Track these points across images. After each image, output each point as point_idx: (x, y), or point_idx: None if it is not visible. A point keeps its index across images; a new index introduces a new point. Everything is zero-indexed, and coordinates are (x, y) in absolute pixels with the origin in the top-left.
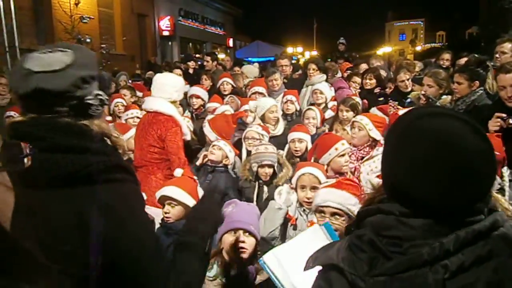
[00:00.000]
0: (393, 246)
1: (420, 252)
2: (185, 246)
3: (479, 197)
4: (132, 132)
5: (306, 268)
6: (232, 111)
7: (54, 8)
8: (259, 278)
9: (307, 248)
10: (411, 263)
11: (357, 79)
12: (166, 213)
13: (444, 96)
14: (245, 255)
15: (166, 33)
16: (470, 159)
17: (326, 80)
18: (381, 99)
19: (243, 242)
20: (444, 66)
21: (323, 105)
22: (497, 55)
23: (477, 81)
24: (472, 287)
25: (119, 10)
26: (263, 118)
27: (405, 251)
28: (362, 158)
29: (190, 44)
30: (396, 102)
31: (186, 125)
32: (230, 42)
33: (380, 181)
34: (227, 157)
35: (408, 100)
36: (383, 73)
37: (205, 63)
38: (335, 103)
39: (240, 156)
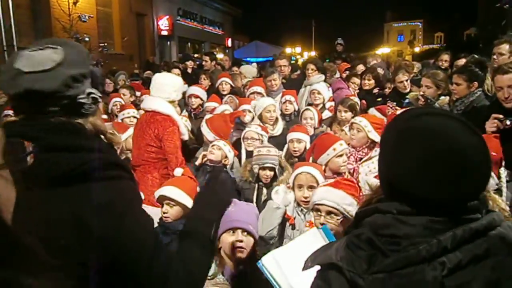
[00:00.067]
0: (391, 245)
1: (418, 248)
2: (188, 234)
3: (475, 192)
4: (130, 131)
5: (304, 268)
6: (231, 111)
7: (52, 7)
8: None
9: (305, 251)
10: (409, 259)
11: (356, 80)
12: (164, 213)
13: (442, 97)
14: (243, 255)
15: (164, 33)
16: (465, 155)
17: (325, 81)
18: (380, 99)
19: (241, 241)
20: (443, 67)
21: (321, 105)
22: (494, 57)
23: (475, 82)
24: (470, 285)
25: (118, 9)
26: (260, 117)
27: (403, 249)
28: (361, 159)
29: (189, 43)
30: (395, 103)
31: (184, 124)
32: (229, 42)
33: (377, 181)
34: (226, 157)
35: (407, 100)
36: (380, 71)
37: (203, 63)
38: (333, 103)
39: (239, 156)
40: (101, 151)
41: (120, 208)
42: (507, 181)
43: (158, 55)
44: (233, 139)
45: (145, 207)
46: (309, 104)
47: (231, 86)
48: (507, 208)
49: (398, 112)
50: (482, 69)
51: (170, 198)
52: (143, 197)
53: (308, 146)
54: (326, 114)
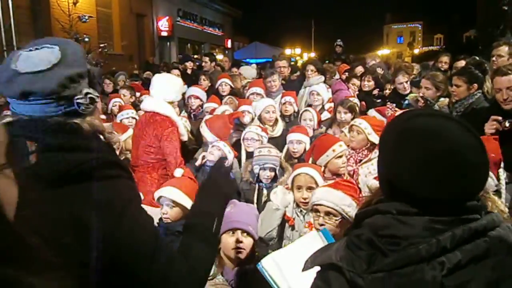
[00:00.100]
0: (391, 245)
1: (418, 248)
2: (189, 229)
3: (474, 191)
4: (130, 132)
5: (304, 269)
6: (231, 111)
7: (52, 7)
8: None
9: (305, 253)
10: (409, 259)
11: (356, 81)
12: (164, 213)
13: (441, 99)
14: (242, 255)
15: (164, 34)
16: (464, 155)
17: (324, 82)
18: (379, 101)
19: (241, 242)
20: (442, 69)
21: (320, 106)
22: (493, 58)
23: (475, 84)
24: (469, 285)
25: (118, 10)
26: (260, 118)
27: (403, 249)
28: (360, 161)
29: (188, 44)
30: (394, 104)
31: (184, 125)
32: (229, 43)
33: (377, 183)
34: (226, 158)
35: (406, 102)
36: (380, 71)
37: (203, 64)
38: (332, 104)
39: (238, 157)
40: (99, 150)
41: (119, 207)
42: (506, 183)
43: (157, 56)
44: (233, 140)
45: (144, 207)
46: (309, 105)
47: (230, 87)
48: (506, 210)
49: (398, 113)
50: (482, 71)
51: (169, 199)
52: (142, 197)
53: (307, 147)
54: (325, 115)
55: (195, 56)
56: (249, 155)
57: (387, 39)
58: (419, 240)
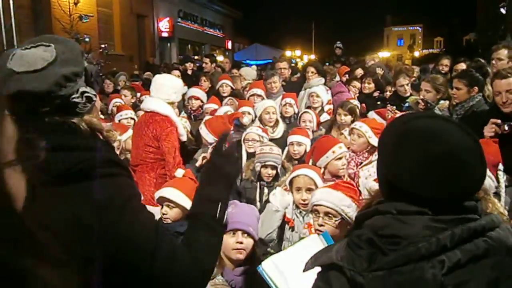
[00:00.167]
0: (391, 245)
1: (418, 246)
2: (192, 217)
3: (472, 190)
4: (130, 132)
5: (305, 269)
6: (233, 112)
7: (53, 7)
8: None
9: (305, 256)
10: (409, 257)
11: (357, 84)
12: (164, 214)
13: (442, 101)
14: (242, 256)
15: (165, 34)
16: (462, 155)
17: (325, 84)
18: (379, 103)
19: (241, 243)
20: (443, 72)
21: (319, 108)
22: (493, 62)
23: (476, 87)
24: (469, 284)
25: (118, 10)
26: (261, 119)
27: (403, 248)
28: (361, 163)
29: (189, 45)
30: (394, 107)
31: (183, 125)
32: (229, 45)
33: (377, 185)
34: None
35: (406, 104)
36: (379, 71)
37: (204, 65)
38: (331, 106)
39: (240, 159)
40: (98, 149)
41: (119, 204)
42: (506, 186)
43: (158, 56)
44: (233, 140)
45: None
46: (308, 107)
47: (231, 88)
48: (506, 212)
49: (397, 116)
50: (482, 74)
51: (169, 199)
52: (142, 196)
53: (308, 149)
54: (325, 117)
55: (196, 57)
56: (250, 156)
57: (387, 41)
58: (419, 239)
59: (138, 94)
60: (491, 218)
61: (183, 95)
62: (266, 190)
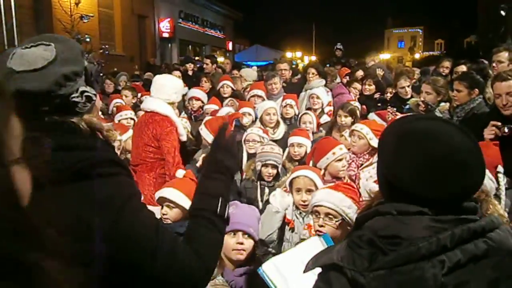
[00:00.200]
0: (392, 245)
1: (418, 246)
2: (193, 213)
3: (471, 189)
4: (130, 132)
5: (306, 270)
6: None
7: (54, 7)
8: None
9: (306, 258)
10: (410, 257)
11: (358, 86)
12: (164, 214)
13: (442, 103)
14: (242, 257)
15: (165, 35)
16: (461, 155)
17: (325, 85)
18: (380, 104)
19: (241, 243)
20: (444, 74)
21: (320, 110)
22: (493, 64)
23: (476, 89)
24: (469, 284)
25: (119, 10)
26: (261, 120)
27: (404, 248)
28: (362, 165)
29: (190, 46)
30: (395, 108)
31: (184, 126)
32: (230, 46)
33: (377, 186)
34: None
35: (407, 106)
36: (380, 71)
37: (204, 66)
38: (332, 108)
39: (239, 158)
40: (97, 148)
41: (119, 203)
42: (506, 189)
43: (158, 57)
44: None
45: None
46: (308, 109)
47: (232, 89)
48: (506, 214)
49: (397, 118)
50: (483, 76)
51: (169, 200)
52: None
53: (309, 150)
54: (325, 119)
55: (196, 58)
56: (251, 156)
57: (388, 43)
58: (420, 240)
59: (139, 95)
60: (491, 219)
61: (184, 95)
62: (266, 190)
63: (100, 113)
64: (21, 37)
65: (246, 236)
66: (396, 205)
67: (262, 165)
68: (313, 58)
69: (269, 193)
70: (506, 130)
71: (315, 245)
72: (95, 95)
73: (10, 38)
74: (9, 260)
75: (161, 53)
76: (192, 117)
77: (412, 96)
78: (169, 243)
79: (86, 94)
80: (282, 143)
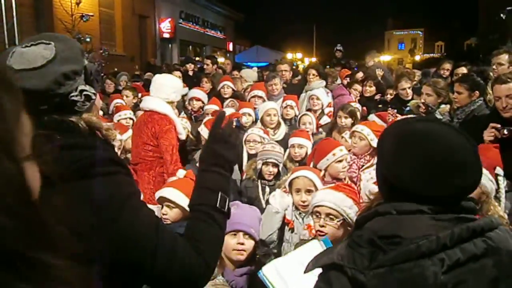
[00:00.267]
0: (391, 245)
1: (418, 244)
2: (192, 209)
3: (469, 187)
4: (130, 132)
5: (306, 271)
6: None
7: (55, 7)
8: None
9: (306, 261)
10: (410, 254)
11: (358, 87)
12: (163, 214)
13: (443, 105)
14: (242, 257)
15: (166, 35)
16: (457, 153)
17: (326, 86)
18: (381, 106)
19: (242, 244)
20: (444, 76)
21: (320, 111)
22: (494, 67)
23: (477, 91)
24: (468, 282)
25: (120, 10)
26: (262, 121)
27: (404, 247)
28: (363, 166)
29: (190, 47)
30: (395, 110)
31: (184, 125)
32: (230, 46)
33: (377, 187)
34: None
35: (408, 108)
36: (379, 72)
37: (205, 66)
38: (332, 109)
39: (240, 159)
40: (96, 147)
41: (118, 203)
42: (506, 191)
43: (159, 57)
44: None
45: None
46: (308, 110)
47: (232, 89)
48: (506, 216)
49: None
50: (484, 79)
51: (169, 199)
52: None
53: (309, 151)
54: (325, 120)
55: (197, 59)
56: (251, 157)
57: (388, 45)
58: (420, 238)
59: (139, 95)
60: (490, 220)
61: (184, 96)
62: (267, 189)
63: (101, 112)
64: (21, 36)
65: (247, 236)
66: (396, 204)
67: (263, 164)
68: (314, 59)
69: (270, 192)
70: (505, 132)
71: (315, 248)
72: (94, 94)
73: (11, 37)
74: (19, 257)
75: (162, 53)
76: (193, 117)
77: (412, 98)
78: (169, 241)
79: (85, 93)
80: (283, 144)
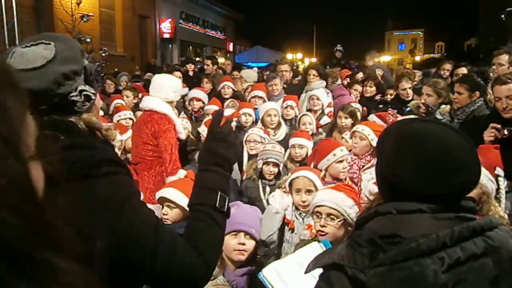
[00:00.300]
0: (392, 244)
1: (418, 243)
2: (191, 209)
3: (469, 185)
4: (130, 132)
5: (307, 271)
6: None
7: (55, 7)
8: None
9: (306, 263)
10: (410, 253)
11: (358, 87)
12: (164, 214)
13: (443, 106)
14: (243, 257)
15: (166, 36)
16: (455, 151)
17: (326, 87)
18: (381, 106)
19: (243, 244)
20: (444, 76)
21: (320, 111)
22: (494, 67)
23: (477, 92)
24: (469, 282)
25: (121, 11)
26: (262, 121)
27: (404, 245)
28: (363, 166)
29: (190, 47)
30: (396, 110)
31: (184, 126)
32: (230, 47)
33: (377, 187)
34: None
35: (408, 109)
36: (379, 72)
37: (205, 67)
38: (332, 109)
39: (240, 159)
40: (96, 148)
41: (118, 203)
42: (506, 192)
43: (159, 57)
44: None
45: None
46: (308, 110)
47: (233, 90)
48: (506, 216)
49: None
50: (484, 79)
51: (170, 200)
52: (142, 195)
53: (310, 151)
54: (325, 120)
55: (197, 59)
56: (251, 157)
57: (388, 45)
58: (420, 237)
59: (140, 95)
60: (489, 219)
61: (184, 96)
62: (268, 189)
63: (101, 112)
64: (22, 37)
65: (247, 236)
66: (396, 204)
67: (264, 163)
68: (314, 59)
69: (271, 191)
70: (506, 132)
71: (314, 250)
72: (94, 94)
73: (11, 38)
74: (24, 256)
75: (162, 54)
76: (193, 117)
77: (413, 98)
78: (168, 241)
79: (85, 93)
80: (284, 144)
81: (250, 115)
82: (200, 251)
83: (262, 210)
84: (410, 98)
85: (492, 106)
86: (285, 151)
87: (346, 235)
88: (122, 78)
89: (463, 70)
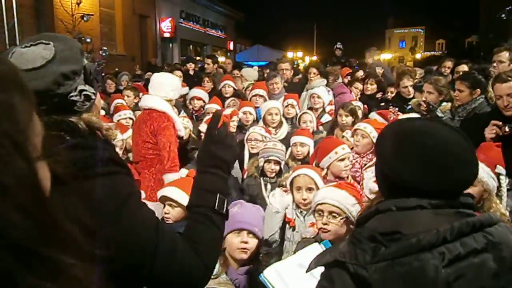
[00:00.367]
0: (392, 241)
1: (419, 238)
2: (191, 211)
3: (467, 180)
4: (131, 132)
5: (309, 270)
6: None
7: (55, 7)
8: None
9: (306, 263)
10: (410, 248)
11: (359, 85)
12: (166, 213)
13: (444, 103)
14: (246, 256)
15: (167, 35)
16: (453, 148)
17: (327, 85)
18: (383, 104)
19: (246, 242)
20: (445, 74)
21: (321, 109)
22: (494, 64)
23: (478, 89)
24: (469, 276)
25: (121, 10)
26: (264, 120)
27: (404, 241)
28: (365, 165)
29: (191, 46)
30: (397, 108)
31: (185, 125)
32: (231, 46)
33: (377, 186)
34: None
35: (409, 106)
36: (379, 70)
37: (205, 66)
38: (333, 107)
39: (241, 158)
40: (96, 147)
41: (118, 203)
42: (507, 189)
43: (160, 57)
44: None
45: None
46: (309, 108)
47: (234, 88)
48: (507, 213)
49: (401, 117)
50: (485, 76)
51: (171, 199)
52: (143, 194)
53: (311, 150)
54: (326, 118)
55: (198, 58)
56: (253, 156)
57: (389, 43)
58: (420, 233)
59: (141, 94)
60: (489, 215)
61: (185, 95)
62: (269, 186)
63: (102, 112)
64: (22, 37)
65: (250, 235)
66: (396, 201)
67: (265, 161)
68: (314, 58)
69: (272, 189)
70: (507, 129)
71: (315, 251)
72: (94, 94)
73: (12, 38)
74: (33, 254)
75: (162, 53)
76: (194, 116)
77: (414, 96)
78: (168, 242)
79: (84, 93)
80: (285, 143)
81: (251, 113)
82: (199, 253)
83: (264, 207)
84: (411, 96)
85: (493, 104)
86: (287, 149)
87: (348, 233)
88: (123, 77)
89: (464, 68)
